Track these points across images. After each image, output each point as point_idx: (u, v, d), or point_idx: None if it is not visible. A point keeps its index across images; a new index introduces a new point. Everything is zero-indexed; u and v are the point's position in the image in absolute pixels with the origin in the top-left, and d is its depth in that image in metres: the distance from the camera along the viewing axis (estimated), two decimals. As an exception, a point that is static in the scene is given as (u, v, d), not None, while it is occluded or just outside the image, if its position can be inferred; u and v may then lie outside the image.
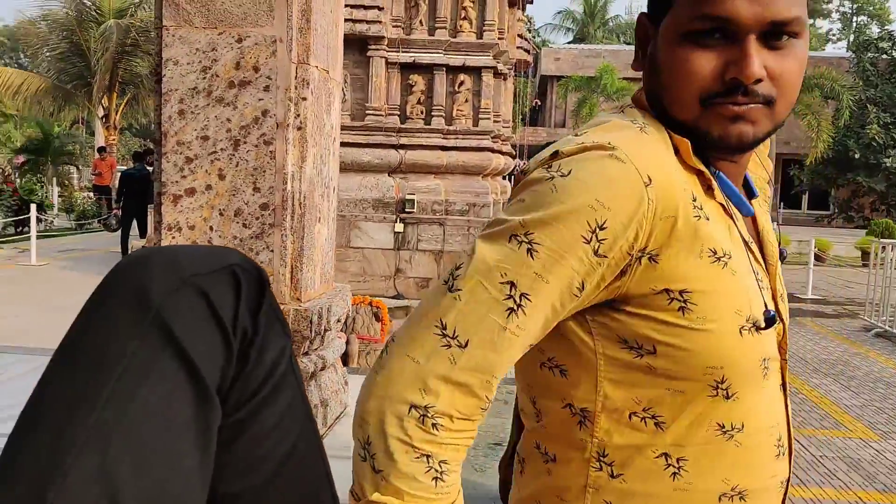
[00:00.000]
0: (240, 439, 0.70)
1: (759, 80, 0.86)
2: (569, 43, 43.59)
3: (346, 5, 11.31)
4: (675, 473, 0.91)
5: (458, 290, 0.81)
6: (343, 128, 11.57)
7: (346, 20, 11.23)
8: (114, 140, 22.77)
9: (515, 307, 0.81)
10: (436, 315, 0.80)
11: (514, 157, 12.77)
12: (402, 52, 11.57)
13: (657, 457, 0.90)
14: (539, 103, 37.89)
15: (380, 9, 11.30)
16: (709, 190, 0.91)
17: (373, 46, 11.41)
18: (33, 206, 12.62)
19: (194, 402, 0.65)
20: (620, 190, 0.82)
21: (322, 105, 2.34)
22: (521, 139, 29.15)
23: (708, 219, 0.88)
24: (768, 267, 0.98)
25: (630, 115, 0.94)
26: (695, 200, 0.88)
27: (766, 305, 0.90)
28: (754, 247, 0.95)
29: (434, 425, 0.76)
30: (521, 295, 0.81)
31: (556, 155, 0.86)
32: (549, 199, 0.82)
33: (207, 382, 0.66)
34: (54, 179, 21.62)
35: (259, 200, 2.18)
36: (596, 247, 0.82)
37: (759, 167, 1.12)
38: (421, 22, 11.62)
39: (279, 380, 0.72)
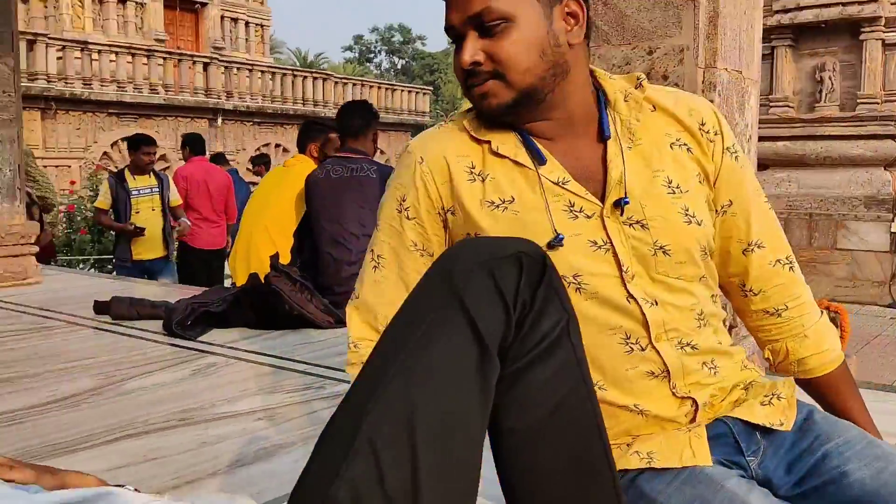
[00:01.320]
0: (517, 386, 0.89)
1: (477, 63, 1.10)
2: None
3: (836, -13, 10.44)
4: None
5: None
6: (829, 119, 10.70)
7: (833, 4, 10.39)
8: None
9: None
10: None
11: None
12: (904, 30, 10.25)
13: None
14: None
15: (876, -14, 10.19)
16: (496, 154, 1.15)
17: (866, 28, 10.33)
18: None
19: (477, 355, 0.86)
20: (404, 170, 1.20)
21: (733, 105, 2.39)
22: None
23: (486, 178, 1.15)
24: (605, 198, 1.12)
25: (459, 113, 1.23)
26: (473, 167, 1.15)
27: (554, 231, 1.09)
28: (573, 185, 1.13)
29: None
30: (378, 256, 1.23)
31: None
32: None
33: (487, 341, 0.86)
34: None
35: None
36: (405, 213, 1.19)
37: (672, 123, 1.19)
38: (928, -7, 10.18)
39: (552, 343, 0.89)
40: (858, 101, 10.66)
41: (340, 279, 3.62)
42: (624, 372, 1.11)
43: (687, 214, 1.13)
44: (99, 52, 16.20)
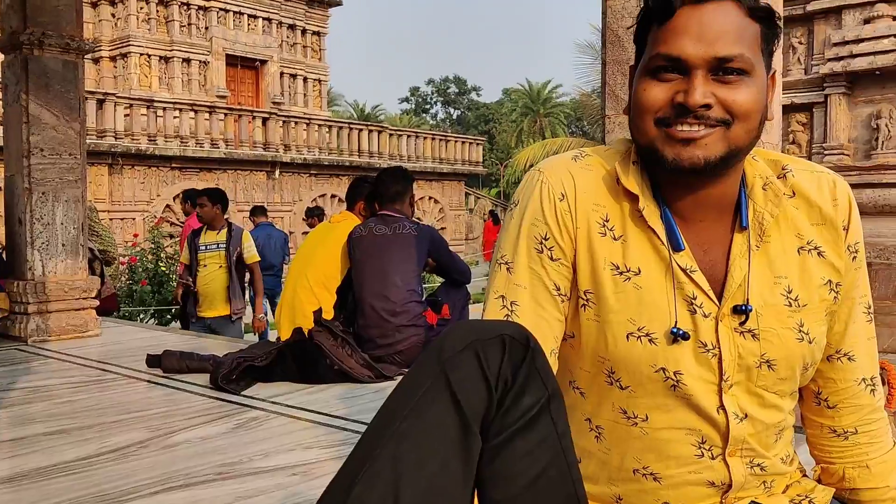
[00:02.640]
0: (498, 459, 0.94)
1: (707, 107, 1.00)
2: None
3: (891, 35, 10.33)
4: (597, 437, 1.14)
5: None
6: (887, 167, 10.50)
7: (888, 51, 10.27)
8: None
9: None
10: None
11: None
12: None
13: (584, 419, 1.15)
14: None
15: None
16: (639, 214, 1.07)
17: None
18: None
19: (460, 428, 0.93)
20: (540, 204, 1.10)
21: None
22: None
23: (618, 238, 1.08)
24: (722, 298, 1.07)
25: (596, 150, 1.15)
26: (607, 220, 1.08)
27: (676, 325, 1.05)
28: (699, 276, 1.07)
29: None
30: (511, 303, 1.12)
31: None
32: None
33: (469, 417, 0.93)
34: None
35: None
36: (549, 253, 1.10)
37: (811, 214, 1.11)
38: None
39: (532, 419, 0.94)
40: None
41: (385, 331, 3.72)
42: (685, 473, 1.10)
43: (801, 331, 1.08)
44: (164, 108, 16.91)
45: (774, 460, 1.13)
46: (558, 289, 1.10)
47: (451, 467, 0.92)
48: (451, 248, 4.24)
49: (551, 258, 1.09)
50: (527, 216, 1.11)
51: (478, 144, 24.62)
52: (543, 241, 1.09)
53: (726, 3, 1.02)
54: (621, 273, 1.07)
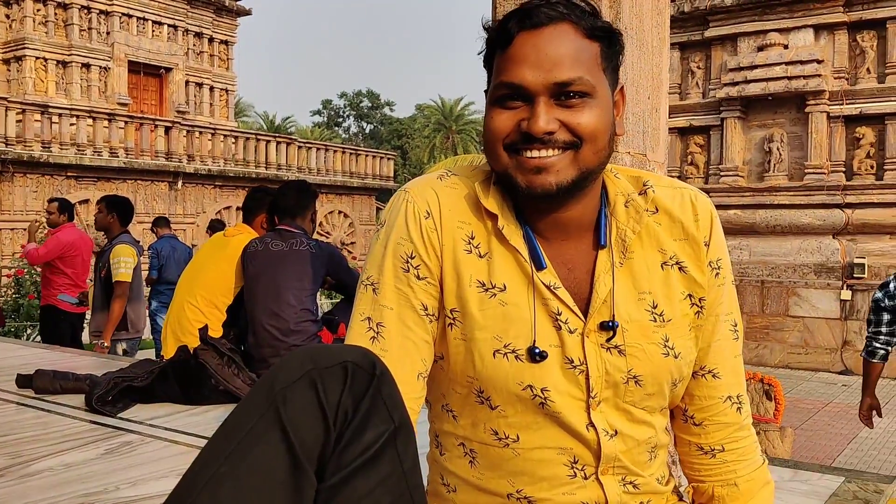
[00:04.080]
0: (334, 500, 0.86)
1: (550, 133, 1.01)
2: None
3: (782, 63, 10.82)
4: (471, 461, 1.11)
5: None
6: (778, 189, 10.96)
7: (779, 78, 10.74)
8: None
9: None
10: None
11: None
12: (847, 104, 10.63)
13: (458, 444, 1.12)
14: None
15: (818, 62, 10.61)
16: (500, 235, 1.07)
17: (811, 101, 10.72)
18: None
19: (289, 468, 0.84)
20: (405, 222, 1.09)
21: (647, 185, 2.45)
22: None
23: (484, 255, 1.07)
24: (587, 314, 1.06)
25: (462, 170, 1.14)
26: (472, 238, 1.08)
27: (534, 342, 1.04)
28: (563, 293, 1.06)
29: None
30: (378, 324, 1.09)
31: None
32: None
33: (301, 456, 0.84)
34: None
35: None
36: (415, 272, 1.08)
37: (673, 230, 1.11)
38: (868, 70, 10.60)
39: (375, 454, 0.86)
40: (806, 170, 10.99)
41: (277, 350, 3.57)
42: (559, 495, 1.07)
43: (666, 346, 1.08)
44: (59, 115, 16.18)
45: (650, 479, 1.11)
46: (426, 308, 1.08)
47: None
48: (358, 263, 4.14)
49: (418, 277, 1.07)
50: (393, 236, 1.09)
51: (389, 159, 24.55)
52: (409, 259, 1.08)
53: (562, 25, 1.02)
54: (487, 290, 1.06)
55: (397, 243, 1.08)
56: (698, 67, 11.85)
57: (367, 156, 23.60)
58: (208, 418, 3.04)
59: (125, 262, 5.51)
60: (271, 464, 0.84)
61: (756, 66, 11.10)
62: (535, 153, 1.02)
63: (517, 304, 1.05)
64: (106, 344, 5.57)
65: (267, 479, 0.84)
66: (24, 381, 3.49)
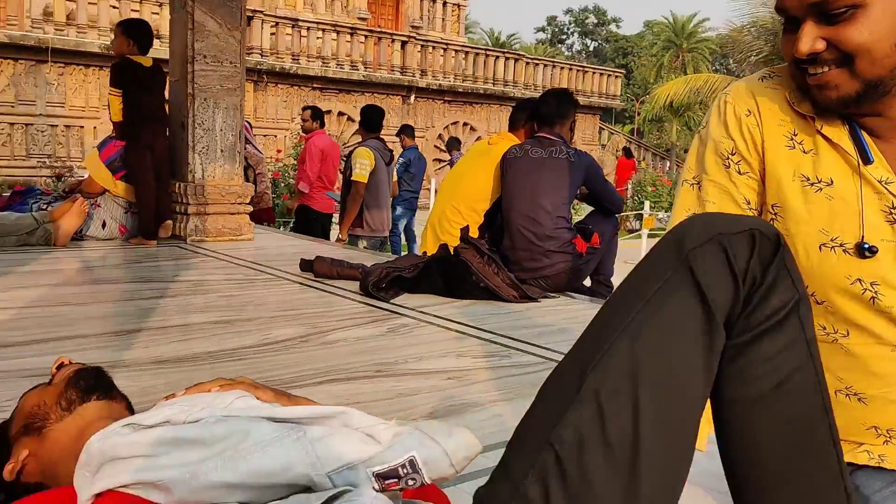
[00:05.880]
0: (740, 358, 0.90)
1: (815, 54, 1.03)
2: None
3: None
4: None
5: None
6: None
7: None
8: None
9: None
10: None
11: None
12: None
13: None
14: None
15: None
16: (820, 134, 1.08)
17: None
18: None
19: (703, 323, 0.88)
20: (725, 120, 1.15)
21: None
22: None
23: (808, 152, 1.09)
24: None
25: (783, 70, 1.15)
26: (794, 135, 1.10)
27: (862, 237, 1.03)
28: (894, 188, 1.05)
29: None
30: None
31: None
32: None
33: (714, 311, 0.88)
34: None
35: None
36: (737, 168, 1.14)
37: None
38: None
39: (780, 321, 0.89)
40: None
41: (533, 254, 3.71)
42: (892, 392, 1.09)
43: None
44: (308, 28, 17.20)
45: None
46: (748, 203, 1.13)
47: (692, 362, 0.89)
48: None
49: (739, 172, 1.12)
50: (713, 134, 1.15)
51: (616, 77, 23.81)
52: (730, 156, 1.13)
53: None
54: (812, 184, 1.08)
55: (718, 141, 1.14)
56: None
57: (593, 73, 23.05)
58: (472, 311, 3.24)
59: (361, 164, 5.90)
60: (687, 317, 0.89)
61: None
62: (812, 71, 1.05)
63: (844, 199, 1.06)
64: (342, 237, 6.07)
65: (684, 330, 0.89)
66: (305, 265, 3.89)
